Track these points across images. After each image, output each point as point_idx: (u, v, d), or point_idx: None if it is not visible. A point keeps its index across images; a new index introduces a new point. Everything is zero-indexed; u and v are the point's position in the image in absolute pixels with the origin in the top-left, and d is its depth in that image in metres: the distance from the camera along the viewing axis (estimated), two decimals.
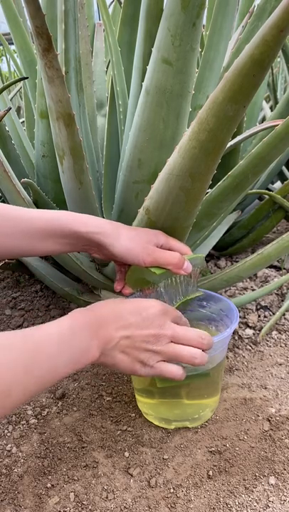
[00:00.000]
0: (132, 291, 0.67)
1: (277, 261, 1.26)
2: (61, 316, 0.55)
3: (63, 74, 0.56)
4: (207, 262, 1.31)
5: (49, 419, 0.72)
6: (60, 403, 0.75)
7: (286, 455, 0.62)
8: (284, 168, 1.46)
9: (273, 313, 1.00)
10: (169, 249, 0.63)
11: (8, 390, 0.41)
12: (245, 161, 0.66)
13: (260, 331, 0.94)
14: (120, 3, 1.07)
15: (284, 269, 1.24)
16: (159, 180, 0.59)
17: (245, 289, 1.12)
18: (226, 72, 0.46)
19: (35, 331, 0.46)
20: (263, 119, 1.63)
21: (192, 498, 0.57)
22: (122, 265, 0.67)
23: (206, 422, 0.69)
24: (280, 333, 0.94)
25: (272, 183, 1.61)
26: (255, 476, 0.59)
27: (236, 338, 0.92)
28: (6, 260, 1.08)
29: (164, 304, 0.57)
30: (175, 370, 0.55)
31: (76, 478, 0.60)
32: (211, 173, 0.58)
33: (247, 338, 0.92)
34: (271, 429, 0.66)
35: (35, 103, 0.90)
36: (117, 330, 0.52)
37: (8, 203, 0.86)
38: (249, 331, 0.94)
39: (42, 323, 1.02)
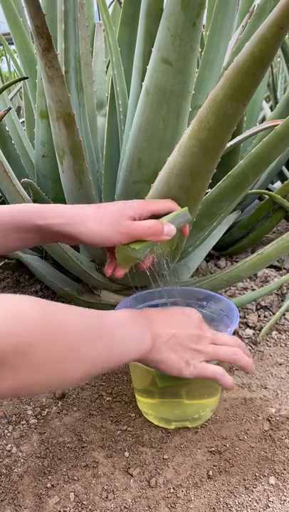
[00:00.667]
0: (124, 271, 0.63)
1: (277, 261, 1.26)
2: None
3: (63, 74, 0.56)
4: (207, 262, 1.31)
5: (49, 419, 0.71)
6: (60, 403, 0.75)
7: (286, 455, 0.62)
8: (284, 168, 1.46)
9: (273, 313, 1.00)
10: (152, 216, 0.59)
11: (77, 347, 0.44)
12: (245, 161, 0.66)
13: (260, 331, 0.94)
14: (120, 3, 1.07)
15: (284, 269, 1.24)
16: (159, 180, 0.59)
17: (245, 289, 1.12)
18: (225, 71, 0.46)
19: (99, 314, 0.49)
20: (263, 119, 1.63)
21: (192, 498, 0.56)
22: (108, 247, 0.63)
23: (206, 422, 0.69)
24: (280, 333, 0.94)
25: (272, 183, 1.61)
26: (255, 476, 0.59)
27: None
28: (6, 260, 1.08)
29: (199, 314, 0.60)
30: (217, 371, 0.56)
31: (76, 478, 0.60)
32: (211, 171, 0.58)
33: (247, 338, 0.92)
34: (271, 429, 0.66)
35: (35, 103, 0.90)
36: (165, 327, 0.54)
37: (8, 203, 0.86)
38: (249, 331, 0.94)
39: None
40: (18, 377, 0.39)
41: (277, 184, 1.62)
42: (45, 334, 0.40)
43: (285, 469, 0.59)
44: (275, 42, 0.42)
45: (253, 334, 0.93)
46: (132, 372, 0.71)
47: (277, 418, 0.68)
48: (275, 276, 1.18)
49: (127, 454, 0.64)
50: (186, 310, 0.59)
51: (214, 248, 1.16)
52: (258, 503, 0.55)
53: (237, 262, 1.06)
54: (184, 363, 0.55)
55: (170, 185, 0.58)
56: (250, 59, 0.44)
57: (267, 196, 1.22)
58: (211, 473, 0.60)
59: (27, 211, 0.58)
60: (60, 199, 0.88)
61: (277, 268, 1.25)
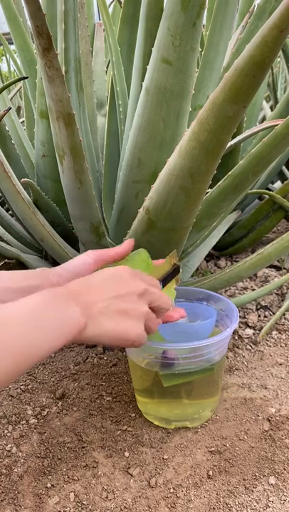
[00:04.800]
0: None
1: (278, 261, 1.26)
2: None
3: (63, 74, 0.56)
4: (207, 262, 1.31)
5: (49, 419, 0.71)
6: (60, 403, 0.75)
7: (286, 455, 0.62)
8: (284, 168, 1.46)
9: (273, 313, 1.00)
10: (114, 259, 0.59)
11: None
12: (245, 161, 0.66)
13: (260, 330, 0.94)
14: (120, 3, 1.07)
15: (284, 268, 1.24)
16: (159, 180, 0.59)
17: (245, 288, 1.12)
18: (226, 72, 0.46)
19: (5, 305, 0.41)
20: (263, 119, 1.63)
21: (192, 498, 0.57)
22: None
23: (206, 422, 0.69)
24: (280, 333, 0.94)
25: (272, 183, 1.61)
26: (255, 476, 0.59)
27: (236, 338, 0.92)
28: (6, 260, 1.08)
29: (130, 268, 0.53)
30: (158, 321, 0.53)
31: (76, 478, 0.60)
32: (211, 173, 0.58)
33: (247, 338, 0.92)
34: (271, 429, 0.66)
35: (35, 103, 0.90)
36: (96, 295, 0.47)
37: (8, 203, 0.86)
38: (249, 331, 0.94)
39: None
40: None
41: (277, 184, 1.62)
42: None
43: (285, 469, 0.60)
44: (275, 45, 0.42)
45: (253, 334, 0.93)
46: (132, 372, 0.71)
47: (277, 418, 0.68)
48: (275, 276, 1.18)
49: (127, 454, 0.64)
50: (112, 270, 0.52)
51: (214, 248, 1.16)
52: (258, 503, 0.55)
53: (237, 261, 1.06)
54: (137, 329, 0.49)
55: (170, 186, 0.58)
56: (250, 62, 0.44)
57: (267, 196, 1.22)
58: (211, 473, 0.60)
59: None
60: (60, 199, 0.88)
61: (277, 268, 1.25)
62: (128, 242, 0.60)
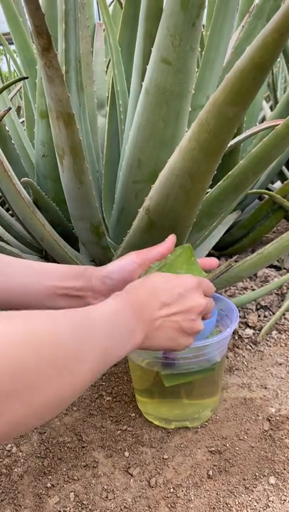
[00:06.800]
0: None
1: (277, 261, 1.26)
2: None
3: (63, 73, 0.56)
4: None
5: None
6: None
7: (286, 455, 0.62)
8: (284, 168, 1.46)
9: (273, 313, 1.00)
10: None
11: (82, 354, 0.38)
12: (245, 161, 0.66)
13: (260, 330, 0.94)
14: (120, 3, 1.07)
15: (284, 268, 1.24)
16: (160, 180, 0.59)
17: (245, 288, 1.12)
18: (225, 72, 0.46)
19: (87, 309, 0.44)
20: (263, 119, 1.63)
21: (192, 498, 0.57)
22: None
23: (206, 421, 0.69)
24: (280, 332, 0.94)
25: (272, 183, 1.61)
26: (255, 475, 0.59)
27: (236, 338, 0.92)
28: None
29: (196, 277, 0.55)
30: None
31: (76, 478, 0.60)
32: (211, 173, 0.58)
33: (247, 337, 0.92)
34: (271, 429, 0.66)
35: (35, 103, 0.90)
36: (159, 309, 0.50)
37: (8, 203, 0.86)
38: (249, 331, 0.94)
39: None
40: (13, 408, 0.33)
41: (277, 184, 1.62)
42: (31, 355, 0.34)
43: (285, 469, 0.60)
44: (275, 48, 0.42)
45: (253, 334, 0.93)
46: (132, 372, 0.71)
47: (277, 418, 0.68)
48: (275, 276, 1.18)
49: (127, 453, 0.64)
50: (178, 280, 0.53)
51: (214, 248, 1.16)
52: (258, 502, 0.55)
53: (237, 261, 1.06)
54: (187, 343, 0.53)
55: (170, 186, 0.58)
56: (250, 64, 0.44)
57: (267, 196, 1.22)
58: (211, 473, 0.60)
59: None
60: (60, 199, 0.88)
61: (277, 268, 1.25)
62: (170, 239, 0.61)
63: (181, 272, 0.59)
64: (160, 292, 0.51)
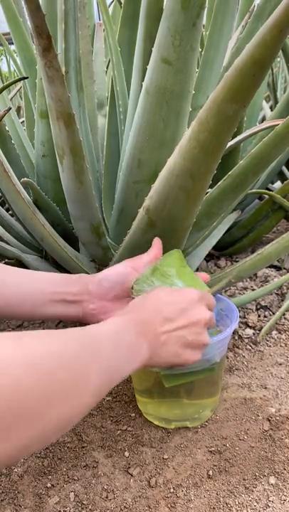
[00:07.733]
0: None
1: (277, 261, 1.26)
2: None
3: (63, 74, 0.56)
4: (207, 261, 1.31)
5: None
6: None
7: (286, 455, 0.62)
8: (284, 168, 1.46)
9: (273, 313, 1.00)
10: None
11: (86, 374, 0.38)
12: (245, 161, 0.66)
13: (260, 330, 0.94)
14: (120, 3, 1.07)
15: (284, 268, 1.24)
16: (159, 180, 0.59)
17: (245, 288, 1.12)
18: (226, 72, 0.46)
19: (90, 329, 0.43)
20: (263, 119, 1.63)
21: (192, 498, 0.56)
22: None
23: (206, 421, 0.69)
24: (280, 332, 0.94)
25: (272, 183, 1.61)
26: (255, 475, 0.59)
27: (236, 338, 0.92)
28: (6, 260, 1.08)
29: (198, 291, 0.55)
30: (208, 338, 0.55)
31: (76, 478, 0.60)
32: (211, 173, 0.58)
33: (247, 338, 0.92)
34: (271, 429, 0.66)
35: (35, 103, 0.90)
36: (163, 324, 0.50)
37: (8, 203, 0.86)
38: (249, 331, 0.94)
39: (42, 322, 1.03)
40: (18, 432, 0.32)
41: (277, 184, 1.62)
42: (35, 379, 0.33)
43: (285, 469, 0.60)
44: (275, 44, 0.42)
45: (253, 334, 0.93)
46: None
47: (277, 418, 0.68)
48: (275, 276, 1.18)
49: (127, 453, 0.64)
50: (182, 295, 0.53)
51: (214, 248, 1.16)
52: (258, 502, 0.55)
53: (237, 261, 1.06)
54: (194, 357, 0.53)
55: (170, 186, 0.58)
56: (250, 61, 0.44)
57: (267, 196, 1.21)
58: (211, 473, 0.60)
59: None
60: (60, 199, 0.88)
61: (277, 268, 1.25)
62: (156, 244, 0.62)
63: (172, 271, 0.59)
64: (163, 307, 0.51)
